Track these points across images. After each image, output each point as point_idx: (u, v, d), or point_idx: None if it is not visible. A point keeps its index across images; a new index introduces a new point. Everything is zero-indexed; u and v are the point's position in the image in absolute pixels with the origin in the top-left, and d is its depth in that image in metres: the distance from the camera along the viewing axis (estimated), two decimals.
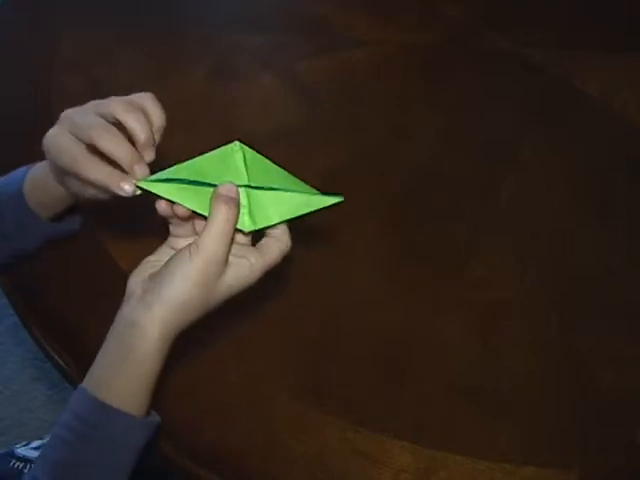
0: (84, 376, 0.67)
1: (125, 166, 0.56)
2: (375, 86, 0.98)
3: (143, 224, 0.73)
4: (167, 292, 0.52)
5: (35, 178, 0.65)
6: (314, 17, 1.05)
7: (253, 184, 0.56)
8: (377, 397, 0.69)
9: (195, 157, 0.57)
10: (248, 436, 0.64)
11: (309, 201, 0.57)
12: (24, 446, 0.83)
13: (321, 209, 0.57)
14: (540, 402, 0.70)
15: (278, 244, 0.56)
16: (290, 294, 0.74)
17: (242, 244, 0.57)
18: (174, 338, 0.54)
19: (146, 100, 0.59)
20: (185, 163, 0.56)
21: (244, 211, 0.55)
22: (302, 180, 0.58)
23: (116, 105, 0.58)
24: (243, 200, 0.55)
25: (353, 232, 0.81)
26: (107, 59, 0.94)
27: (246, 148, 0.57)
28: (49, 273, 0.74)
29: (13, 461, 0.80)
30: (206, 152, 0.57)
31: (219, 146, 0.57)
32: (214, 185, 0.54)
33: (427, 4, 1.10)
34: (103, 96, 0.92)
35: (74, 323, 0.71)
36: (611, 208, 0.88)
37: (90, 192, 0.61)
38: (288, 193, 0.56)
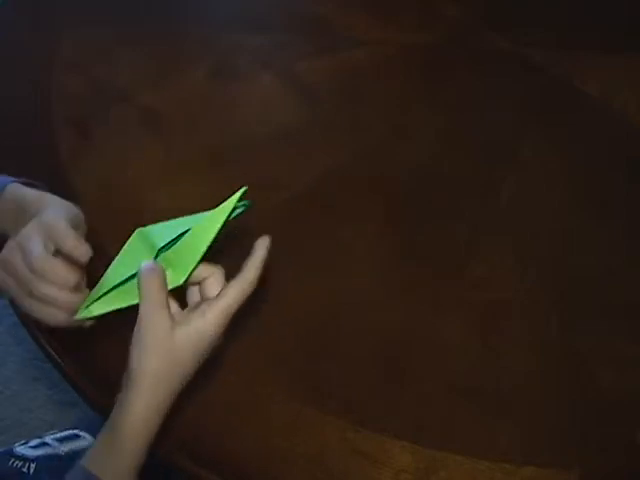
0: (84, 376, 0.67)
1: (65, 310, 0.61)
2: (375, 86, 0.98)
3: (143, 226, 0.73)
4: (135, 369, 0.56)
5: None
6: (314, 17, 1.05)
7: (161, 245, 0.59)
8: (377, 397, 0.69)
9: (110, 265, 0.61)
10: (248, 436, 0.64)
11: (217, 214, 0.59)
12: (23, 445, 0.83)
13: (235, 212, 0.59)
14: (540, 402, 0.70)
15: (234, 285, 0.58)
16: (290, 294, 0.74)
17: (192, 306, 0.61)
18: (164, 409, 0.57)
19: (66, 242, 0.61)
20: (103, 277, 0.61)
21: (169, 272, 0.58)
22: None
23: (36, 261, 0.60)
24: (164, 264, 0.58)
25: (353, 232, 0.81)
26: (107, 59, 0.94)
27: (144, 228, 0.61)
28: None
29: (12, 460, 0.80)
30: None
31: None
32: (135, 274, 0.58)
33: (427, 4, 1.10)
34: (103, 96, 0.92)
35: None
36: (611, 208, 0.88)
37: None
38: (193, 227, 0.59)
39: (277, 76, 0.96)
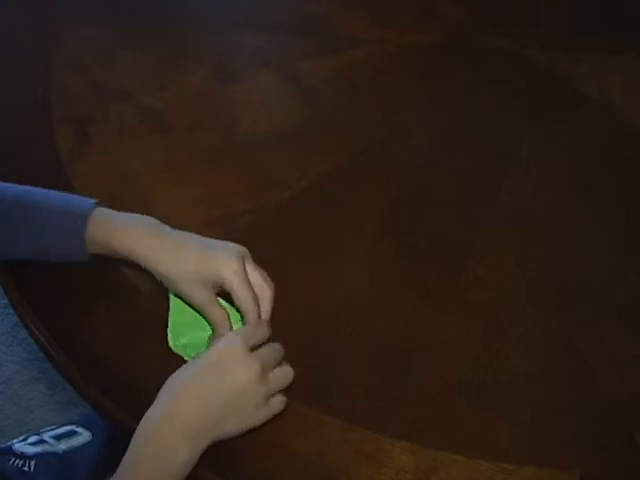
0: (84, 376, 0.67)
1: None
2: (375, 86, 0.98)
3: None
4: None
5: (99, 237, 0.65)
6: (314, 17, 1.05)
7: None
8: (377, 397, 0.69)
9: None
10: (248, 436, 0.63)
11: None
12: (22, 441, 0.84)
13: None
14: (540, 402, 0.70)
15: None
16: (290, 295, 0.74)
17: None
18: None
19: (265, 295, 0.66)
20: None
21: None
22: None
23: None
24: None
25: (353, 232, 0.81)
26: (107, 59, 0.94)
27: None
28: (49, 273, 0.74)
29: (12, 459, 0.80)
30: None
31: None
32: None
33: (427, 4, 1.10)
34: (103, 96, 0.92)
35: (74, 323, 0.71)
36: (611, 208, 0.88)
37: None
38: None
39: (277, 76, 0.96)
